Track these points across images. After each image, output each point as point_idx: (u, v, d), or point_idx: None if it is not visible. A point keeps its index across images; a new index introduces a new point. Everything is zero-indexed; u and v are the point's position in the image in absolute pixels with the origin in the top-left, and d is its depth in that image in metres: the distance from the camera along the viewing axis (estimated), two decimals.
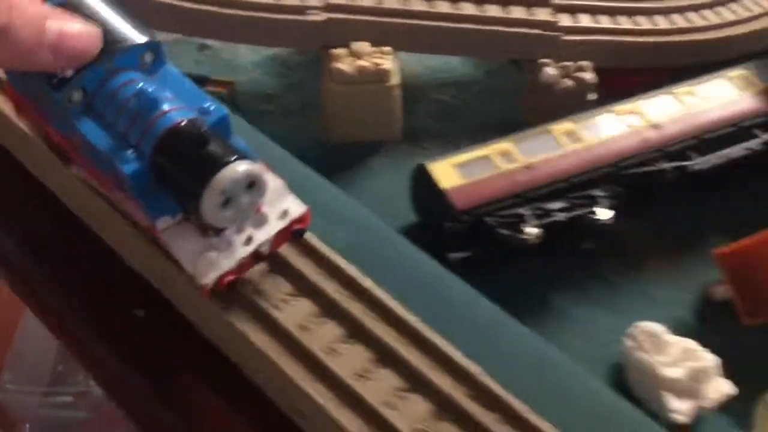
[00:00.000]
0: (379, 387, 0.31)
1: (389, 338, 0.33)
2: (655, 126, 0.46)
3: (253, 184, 0.31)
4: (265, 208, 0.34)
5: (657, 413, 0.38)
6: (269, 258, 0.35)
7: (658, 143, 0.45)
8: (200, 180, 0.30)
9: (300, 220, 0.35)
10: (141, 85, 0.33)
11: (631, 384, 0.40)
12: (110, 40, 0.33)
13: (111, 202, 0.37)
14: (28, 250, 0.43)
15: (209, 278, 0.32)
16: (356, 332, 0.33)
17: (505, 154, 0.45)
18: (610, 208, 0.44)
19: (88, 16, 0.33)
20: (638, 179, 0.45)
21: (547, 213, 0.42)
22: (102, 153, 0.33)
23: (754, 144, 0.47)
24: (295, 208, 0.34)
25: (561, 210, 0.43)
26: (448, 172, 0.44)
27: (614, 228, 0.46)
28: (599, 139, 0.45)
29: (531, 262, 0.45)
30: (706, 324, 0.44)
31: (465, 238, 0.43)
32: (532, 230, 0.42)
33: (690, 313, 0.44)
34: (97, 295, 0.41)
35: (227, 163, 0.30)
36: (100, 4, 0.35)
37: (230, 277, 0.33)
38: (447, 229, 0.43)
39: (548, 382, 0.35)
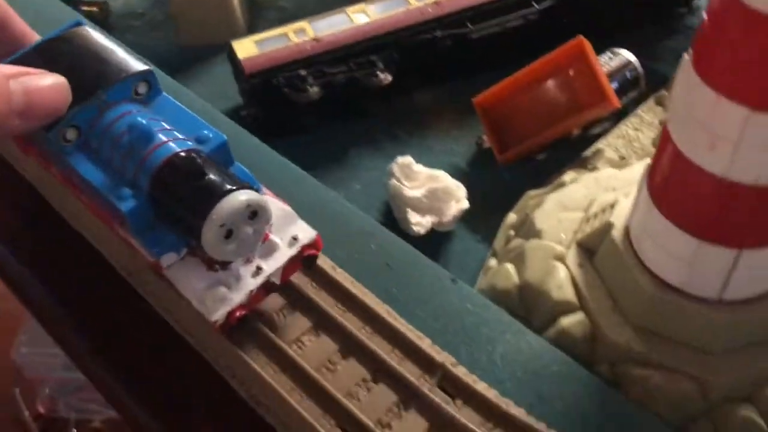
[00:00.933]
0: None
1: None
2: (436, 2, 0.52)
3: (255, 214, 0.30)
4: (274, 236, 0.32)
5: (405, 229, 0.45)
6: (281, 287, 0.33)
7: (436, 15, 0.52)
8: (199, 213, 0.29)
9: (311, 245, 0.33)
10: (134, 117, 0.32)
11: (392, 209, 0.46)
12: (102, 72, 0.33)
13: (120, 237, 0.34)
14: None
15: (219, 314, 0.31)
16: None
17: (299, 31, 0.51)
18: (391, 73, 0.50)
19: (77, 51, 0.33)
20: (417, 47, 0.51)
21: (328, 75, 0.49)
22: (99, 191, 0.32)
23: (527, 13, 0.52)
24: (305, 233, 0.33)
25: (341, 72, 0.49)
26: (247, 47, 0.51)
27: (405, 92, 0.53)
28: (383, 15, 0.52)
29: (333, 128, 0.52)
30: (474, 166, 0.50)
31: (258, 100, 0.50)
32: (313, 89, 0.49)
33: (463, 159, 0.50)
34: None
35: (226, 193, 0.29)
36: (89, 36, 0.34)
37: (241, 312, 0.31)
38: (241, 91, 0.49)
39: (331, 223, 0.40)
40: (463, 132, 0.51)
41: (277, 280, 0.32)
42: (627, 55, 0.49)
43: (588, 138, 0.48)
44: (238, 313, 0.31)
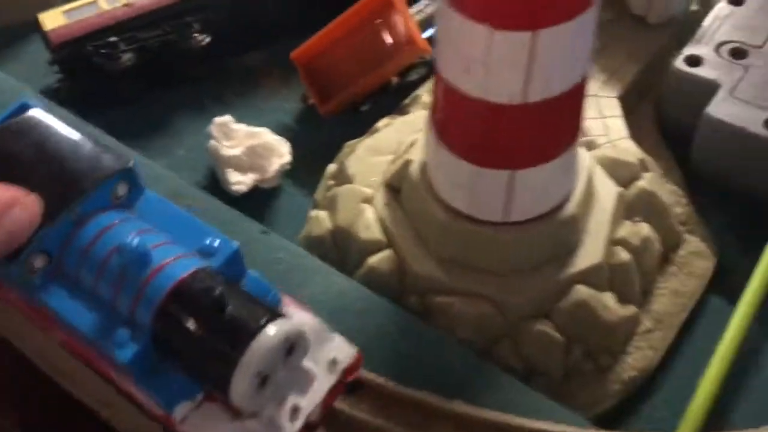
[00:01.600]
0: None
1: None
2: None
3: (293, 348, 0.24)
4: (308, 363, 0.26)
5: (227, 189, 0.45)
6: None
7: None
8: (226, 359, 0.23)
9: (352, 368, 0.27)
10: (120, 233, 0.26)
11: (215, 170, 0.46)
12: (71, 176, 0.26)
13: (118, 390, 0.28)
14: None
15: None
16: None
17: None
18: (210, 34, 0.50)
19: (33, 149, 0.27)
20: (233, 6, 0.51)
21: (140, 40, 0.48)
22: (85, 335, 0.25)
23: None
24: (345, 352, 0.27)
25: (154, 37, 0.48)
26: (55, 18, 0.49)
27: (232, 54, 0.53)
28: None
29: (155, 95, 0.51)
30: (301, 122, 0.50)
31: (70, 72, 0.48)
32: (126, 56, 0.48)
33: (290, 116, 0.50)
34: None
35: (257, 330, 0.23)
36: (45, 125, 0.28)
37: None
38: (51, 62, 0.48)
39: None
40: (291, 90, 0.51)
41: (317, 418, 0.26)
42: None
43: (409, 86, 0.49)
44: None
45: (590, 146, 0.41)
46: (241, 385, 0.23)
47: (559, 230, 0.35)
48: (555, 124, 0.32)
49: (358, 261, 0.38)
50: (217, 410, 0.25)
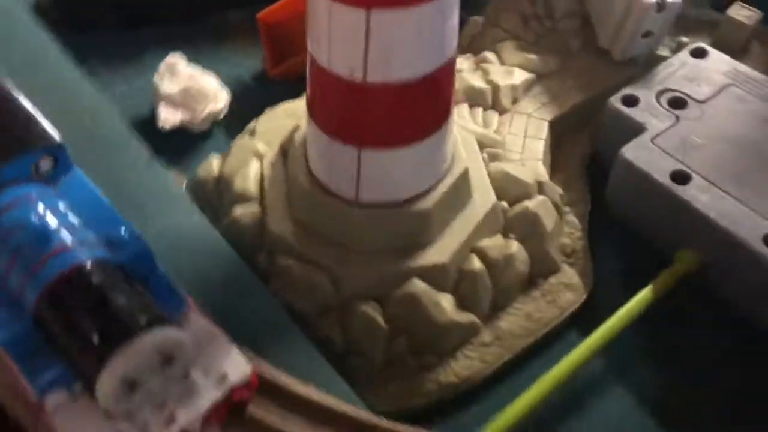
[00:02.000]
0: None
1: None
2: None
3: (171, 359, 0.24)
4: (196, 373, 0.25)
5: (157, 123, 0.47)
6: None
7: None
8: (94, 359, 0.23)
9: (244, 386, 0.26)
10: (28, 208, 0.25)
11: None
12: None
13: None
14: None
15: None
16: None
17: None
18: None
19: None
20: None
21: None
22: None
23: None
24: (238, 369, 0.26)
25: None
26: None
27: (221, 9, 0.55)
28: None
29: (131, 33, 0.54)
30: (256, 80, 0.52)
31: None
32: None
33: (246, 72, 0.52)
34: None
35: (131, 333, 0.23)
36: None
37: None
38: None
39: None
40: (259, 51, 0.53)
41: (196, 430, 0.25)
42: None
43: None
44: None
45: (494, 158, 0.42)
46: (106, 386, 0.23)
47: (409, 222, 0.36)
48: (396, 112, 0.32)
49: (227, 210, 0.39)
50: (92, 407, 0.24)
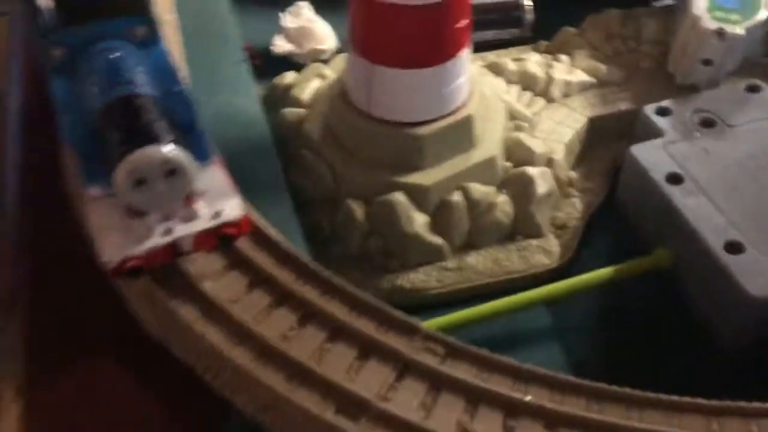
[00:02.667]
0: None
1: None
2: None
3: (174, 172, 0.30)
4: (199, 205, 0.33)
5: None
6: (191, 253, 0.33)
7: None
8: (118, 153, 0.30)
9: (233, 224, 0.33)
10: (118, 53, 0.33)
11: None
12: (111, 5, 0.34)
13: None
14: None
15: (111, 258, 0.31)
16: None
17: None
18: None
19: None
20: None
21: None
22: (57, 111, 0.33)
23: None
24: (231, 211, 0.33)
25: None
26: None
27: None
28: None
29: None
30: None
31: None
32: None
33: None
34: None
35: (149, 142, 0.30)
36: None
37: (135, 263, 0.31)
38: None
39: None
40: None
41: (187, 247, 0.32)
42: None
43: None
44: (130, 263, 0.31)
45: (518, 129, 0.47)
46: (119, 175, 0.30)
47: (405, 142, 0.42)
48: (402, 34, 0.39)
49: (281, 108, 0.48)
50: (117, 206, 0.32)
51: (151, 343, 0.35)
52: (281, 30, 0.57)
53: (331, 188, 0.44)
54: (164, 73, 0.34)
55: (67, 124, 0.32)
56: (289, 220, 0.41)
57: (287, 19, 0.57)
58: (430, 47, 0.40)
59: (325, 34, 0.57)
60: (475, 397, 0.32)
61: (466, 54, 0.42)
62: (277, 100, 0.50)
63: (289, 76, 0.51)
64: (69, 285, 0.39)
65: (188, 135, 0.32)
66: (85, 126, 0.32)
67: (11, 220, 0.43)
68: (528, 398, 0.31)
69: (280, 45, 0.56)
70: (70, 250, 0.39)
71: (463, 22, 0.41)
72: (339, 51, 0.56)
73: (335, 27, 0.58)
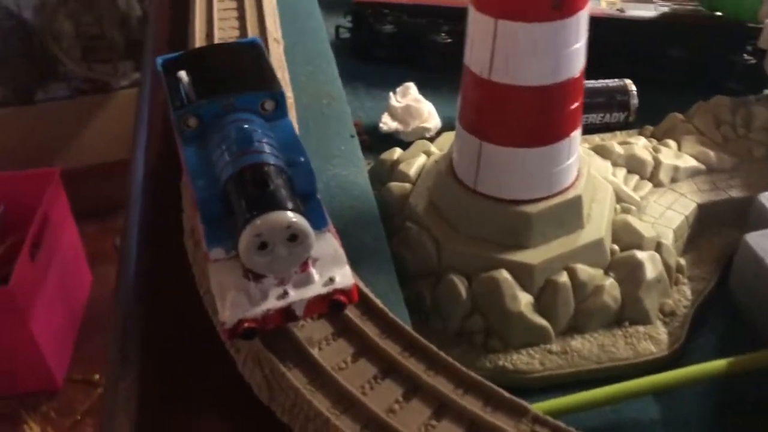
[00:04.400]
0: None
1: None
2: None
3: (295, 237, 0.32)
4: (314, 271, 0.34)
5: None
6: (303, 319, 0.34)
7: None
8: (245, 216, 0.31)
9: (344, 292, 0.34)
10: (248, 125, 0.35)
11: None
12: (243, 80, 0.38)
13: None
14: None
15: (229, 318, 0.32)
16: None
17: None
18: (451, 38, 0.64)
19: (235, 56, 0.39)
20: None
21: (405, 22, 0.65)
22: (188, 174, 0.35)
23: None
24: (343, 279, 0.34)
25: (414, 24, 0.65)
26: None
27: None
28: None
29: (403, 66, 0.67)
30: None
31: (357, 23, 0.67)
32: (388, 26, 0.65)
33: None
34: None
35: (275, 208, 0.31)
36: (253, 50, 0.39)
37: (251, 325, 0.33)
38: (346, 13, 0.68)
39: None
40: None
41: (299, 312, 0.34)
42: (627, 82, 0.57)
43: None
44: (247, 324, 0.32)
45: (626, 211, 0.46)
46: (245, 238, 0.31)
47: (512, 220, 0.42)
48: (512, 114, 0.40)
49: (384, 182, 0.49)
50: (237, 268, 0.33)
51: (258, 405, 0.35)
52: (389, 108, 0.59)
53: (434, 262, 0.44)
54: (289, 144, 0.36)
55: (198, 189, 0.34)
56: (393, 291, 0.42)
57: (395, 99, 0.59)
58: (543, 127, 0.40)
59: (429, 113, 0.59)
60: None
61: (577, 135, 0.42)
62: (383, 174, 0.51)
63: (397, 152, 0.52)
64: (179, 343, 0.41)
65: (307, 203, 0.34)
66: (212, 191, 0.34)
67: (131, 284, 0.45)
68: None
69: (387, 123, 0.58)
70: (183, 312, 0.41)
71: (576, 104, 0.41)
72: (440, 131, 0.58)
73: (437, 107, 0.59)
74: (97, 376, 1.41)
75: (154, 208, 0.48)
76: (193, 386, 0.38)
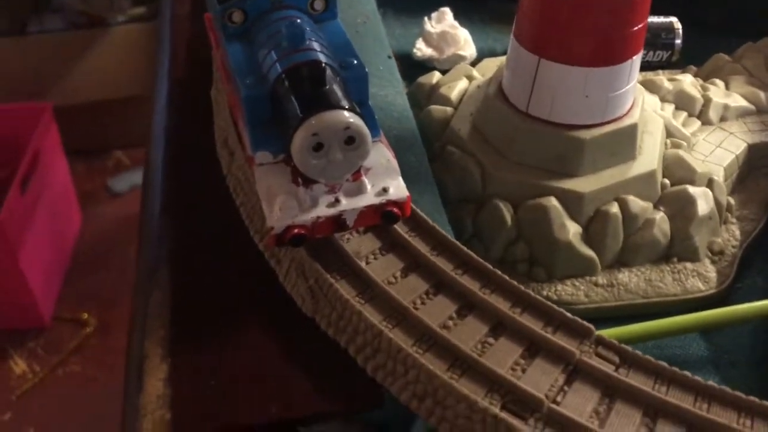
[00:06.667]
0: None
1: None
2: None
3: (352, 140, 0.29)
4: (366, 179, 0.32)
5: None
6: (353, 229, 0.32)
7: None
8: (300, 115, 0.29)
9: (397, 203, 0.32)
10: (296, 22, 0.32)
11: None
12: None
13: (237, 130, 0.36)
14: None
15: (277, 223, 0.30)
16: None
17: None
18: None
19: None
20: None
21: None
22: (233, 73, 0.33)
23: None
24: (398, 190, 0.32)
25: None
26: None
27: None
28: None
29: None
30: None
31: None
32: None
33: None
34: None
35: (333, 107, 0.29)
36: None
37: (300, 231, 0.31)
38: None
39: None
40: None
41: (350, 221, 0.32)
42: (673, 20, 0.55)
43: None
44: (296, 231, 0.31)
45: (676, 146, 0.44)
46: (299, 137, 0.29)
47: (564, 146, 0.40)
48: (574, 28, 0.37)
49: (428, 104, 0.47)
50: (285, 172, 0.31)
51: (299, 315, 0.33)
52: (424, 34, 0.56)
53: (478, 188, 0.42)
54: (340, 46, 0.33)
55: (245, 87, 0.32)
56: (438, 212, 0.40)
57: (430, 25, 0.56)
58: (606, 45, 0.38)
59: (466, 41, 0.56)
60: (653, 410, 0.29)
61: (638, 59, 0.40)
62: (422, 98, 0.49)
63: (436, 75, 0.50)
64: (206, 258, 0.38)
65: (360, 109, 0.31)
66: (261, 89, 0.31)
67: (158, 194, 0.42)
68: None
69: (421, 49, 0.56)
70: (213, 227, 0.39)
71: (641, 25, 0.39)
72: (475, 61, 0.56)
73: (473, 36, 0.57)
74: (86, 316, 1.39)
75: (181, 118, 0.46)
76: (231, 296, 0.36)
